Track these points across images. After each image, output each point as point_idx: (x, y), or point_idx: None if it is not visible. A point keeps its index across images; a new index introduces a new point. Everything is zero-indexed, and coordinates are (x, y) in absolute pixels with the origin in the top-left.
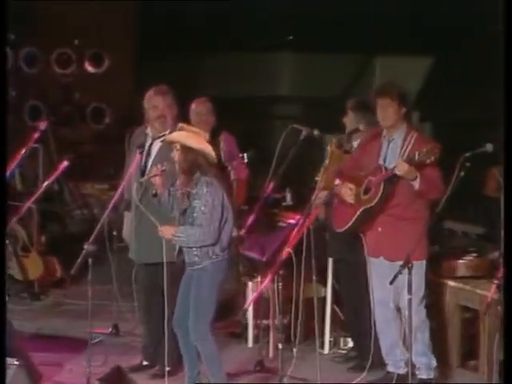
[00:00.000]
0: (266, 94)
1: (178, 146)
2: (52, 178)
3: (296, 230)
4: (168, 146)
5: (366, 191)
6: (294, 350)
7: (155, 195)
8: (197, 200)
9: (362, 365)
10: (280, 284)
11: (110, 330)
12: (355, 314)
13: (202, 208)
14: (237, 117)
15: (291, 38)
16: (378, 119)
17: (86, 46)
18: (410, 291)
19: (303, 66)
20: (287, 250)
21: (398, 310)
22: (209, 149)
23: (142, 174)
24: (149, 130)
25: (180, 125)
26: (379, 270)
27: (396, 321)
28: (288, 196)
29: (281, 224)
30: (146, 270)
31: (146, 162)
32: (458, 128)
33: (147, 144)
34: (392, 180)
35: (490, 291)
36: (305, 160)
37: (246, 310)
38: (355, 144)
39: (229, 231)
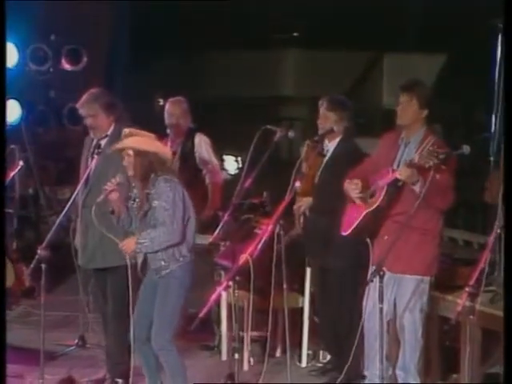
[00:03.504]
0: (268, 94)
1: (131, 152)
2: (8, 179)
3: (259, 236)
4: (115, 154)
5: (372, 194)
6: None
7: (113, 212)
8: (156, 200)
9: (338, 378)
10: (236, 292)
11: (76, 341)
12: (333, 325)
13: (163, 204)
14: (236, 118)
15: (296, 34)
16: (397, 117)
17: (63, 42)
18: (381, 300)
19: (308, 64)
20: (244, 255)
21: (388, 323)
22: (163, 149)
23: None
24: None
25: (127, 130)
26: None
27: (385, 335)
28: (266, 201)
29: (257, 230)
30: (96, 276)
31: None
32: (468, 129)
33: (93, 145)
34: (396, 184)
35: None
36: (282, 163)
37: (201, 319)
38: (327, 146)
39: (192, 230)
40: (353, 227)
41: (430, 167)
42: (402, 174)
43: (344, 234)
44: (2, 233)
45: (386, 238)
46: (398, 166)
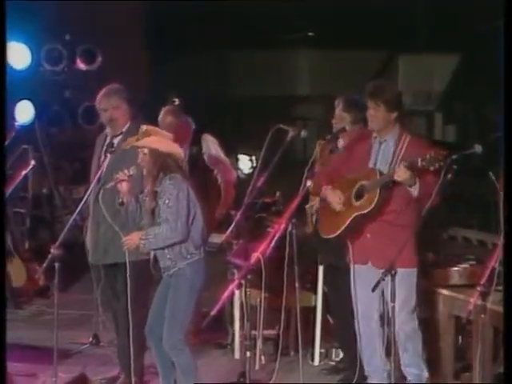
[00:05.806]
0: (283, 93)
1: (146, 150)
2: (19, 179)
3: (271, 235)
4: (131, 149)
5: (358, 196)
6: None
7: (122, 204)
8: (161, 198)
9: (351, 377)
10: (248, 290)
11: (90, 340)
12: (344, 323)
13: (167, 201)
14: (251, 118)
15: (310, 34)
16: (368, 122)
17: (77, 42)
18: (393, 299)
19: (322, 64)
20: (255, 254)
21: (382, 319)
22: (177, 150)
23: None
24: (107, 131)
25: (144, 127)
26: (366, 279)
27: (379, 331)
28: (278, 200)
29: (269, 229)
30: (106, 273)
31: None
32: (484, 129)
33: (106, 143)
34: (388, 185)
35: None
36: (295, 162)
37: (213, 317)
38: (340, 144)
39: (199, 228)
40: (340, 230)
41: (435, 170)
42: (400, 176)
43: (326, 236)
44: (3, 232)
45: (368, 236)
46: (375, 164)
